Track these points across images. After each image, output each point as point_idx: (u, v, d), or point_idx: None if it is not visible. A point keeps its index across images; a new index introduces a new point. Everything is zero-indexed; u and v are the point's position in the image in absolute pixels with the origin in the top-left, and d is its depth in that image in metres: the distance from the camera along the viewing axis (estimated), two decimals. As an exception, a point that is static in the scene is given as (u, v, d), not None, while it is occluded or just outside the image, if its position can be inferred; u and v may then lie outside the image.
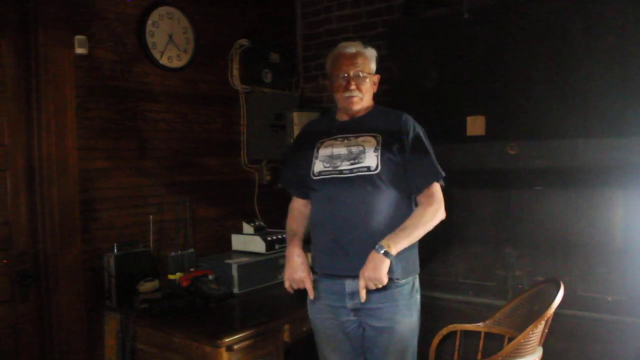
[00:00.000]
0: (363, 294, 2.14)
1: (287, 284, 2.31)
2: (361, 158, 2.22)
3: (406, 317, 2.25)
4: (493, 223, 2.88)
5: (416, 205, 2.30)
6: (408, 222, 2.18)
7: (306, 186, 2.38)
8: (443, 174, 2.25)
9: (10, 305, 2.58)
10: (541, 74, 2.74)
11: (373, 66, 2.36)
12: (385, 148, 2.22)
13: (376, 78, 2.38)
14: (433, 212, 2.21)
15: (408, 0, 3.28)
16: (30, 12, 2.62)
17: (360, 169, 2.20)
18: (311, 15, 4.06)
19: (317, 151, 2.32)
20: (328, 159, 2.28)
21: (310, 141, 2.38)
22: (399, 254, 2.14)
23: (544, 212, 2.73)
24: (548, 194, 2.73)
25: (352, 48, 2.34)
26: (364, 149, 2.23)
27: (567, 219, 2.67)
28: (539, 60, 2.75)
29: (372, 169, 2.19)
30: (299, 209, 2.48)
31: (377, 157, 2.20)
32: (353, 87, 2.28)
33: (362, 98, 2.31)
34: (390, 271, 2.14)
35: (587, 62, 2.62)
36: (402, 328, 2.24)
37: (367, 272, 2.11)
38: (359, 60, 2.31)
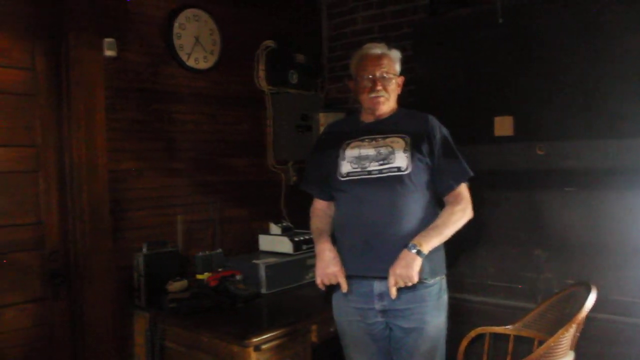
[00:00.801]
0: (394, 292, 2.15)
1: (318, 280, 2.31)
2: (391, 159, 2.23)
3: (435, 317, 2.25)
4: (522, 225, 2.85)
5: (442, 205, 2.32)
6: (439, 221, 2.21)
7: (329, 187, 2.39)
8: (471, 173, 2.29)
9: (43, 304, 2.62)
10: (571, 73, 2.70)
11: (398, 67, 2.38)
12: (414, 149, 2.24)
13: (400, 80, 2.40)
14: (462, 210, 2.25)
15: (433, 0, 3.26)
16: (61, 17, 2.66)
17: (391, 170, 2.22)
18: (337, 16, 4.06)
19: (343, 152, 2.33)
20: (356, 160, 2.29)
21: (334, 142, 2.39)
22: (428, 254, 2.15)
23: (574, 214, 2.69)
24: (578, 195, 2.68)
25: (377, 49, 2.36)
26: (393, 149, 2.25)
27: (598, 220, 2.63)
28: (568, 59, 2.70)
29: (402, 169, 2.21)
30: (322, 209, 2.49)
31: (408, 157, 2.22)
32: (379, 87, 2.30)
33: (388, 99, 2.34)
34: (419, 272, 2.14)
35: (618, 61, 2.57)
36: (430, 329, 2.24)
37: (398, 269, 2.12)
38: (385, 62, 2.33)
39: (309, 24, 4.04)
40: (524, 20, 2.82)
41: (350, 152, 2.31)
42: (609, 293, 2.57)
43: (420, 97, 3.19)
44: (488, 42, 2.95)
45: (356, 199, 2.26)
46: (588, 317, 2.30)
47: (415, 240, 2.14)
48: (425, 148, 2.25)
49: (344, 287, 2.27)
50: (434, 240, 2.17)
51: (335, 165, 2.32)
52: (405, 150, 2.24)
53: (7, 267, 2.50)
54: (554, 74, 2.75)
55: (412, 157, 2.23)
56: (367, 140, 2.32)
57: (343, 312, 2.36)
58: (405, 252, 2.13)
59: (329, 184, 2.38)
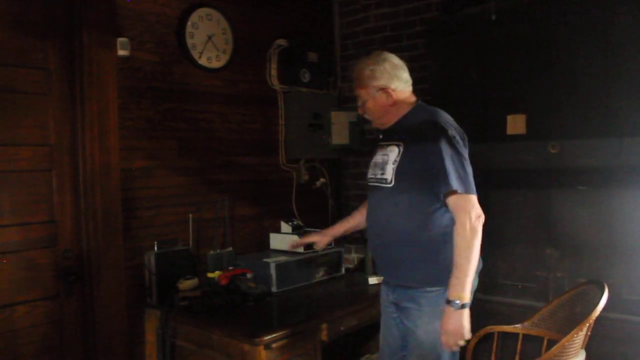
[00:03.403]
0: (446, 349, 2.14)
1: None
2: (384, 168, 2.31)
3: (427, 324, 2.21)
4: (534, 223, 2.83)
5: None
6: (457, 259, 2.09)
7: None
8: (453, 187, 2.10)
9: (55, 301, 2.65)
10: (584, 71, 2.67)
11: (374, 83, 2.32)
12: (404, 156, 2.24)
13: (380, 93, 2.31)
14: (468, 231, 2.08)
15: (446, -2, 3.25)
16: (75, 16, 2.69)
17: (381, 180, 2.32)
18: (349, 15, 4.05)
19: (372, 158, 2.47)
20: (373, 166, 2.42)
21: (374, 148, 2.53)
22: (428, 259, 2.18)
23: (586, 213, 2.67)
24: (591, 194, 2.66)
25: (354, 75, 2.41)
26: (388, 158, 2.30)
27: (611, 219, 2.60)
28: (582, 56, 2.68)
29: (387, 181, 2.27)
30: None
31: (394, 169, 2.24)
32: (361, 112, 2.44)
33: (374, 118, 2.41)
34: (411, 278, 2.24)
35: (633, 57, 2.54)
36: (422, 334, 2.24)
37: (449, 327, 2.09)
38: (357, 88, 2.39)
39: (321, 23, 4.04)
40: (537, 17, 2.80)
41: (373, 159, 2.44)
42: (620, 292, 2.55)
43: (433, 95, 3.18)
44: (501, 39, 2.93)
45: (370, 203, 2.44)
46: (599, 317, 2.28)
47: (453, 295, 2.06)
48: (416, 153, 2.21)
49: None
50: (466, 281, 2.06)
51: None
52: (394, 162, 2.25)
53: (20, 264, 2.53)
54: (567, 72, 2.73)
55: (398, 168, 2.23)
56: (380, 147, 2.41)
57: (380, 299, 2.51)
58: (449, 310, 2.08)
59: None
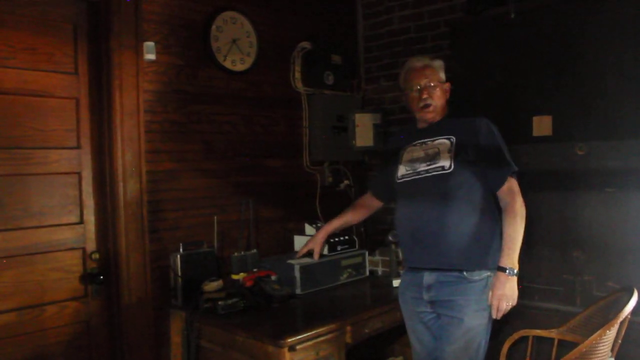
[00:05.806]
0: (495, 314, 2.33)
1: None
2: (436, 159, 2.42)
3: (476, 311, 2.36)
4: (560, 226, 2.79)
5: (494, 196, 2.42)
6: (510, 232, 2.33)
7: (388, 189, 2.66)
8: (516, 168, 2.37)
9: (83, 302, 2.70)
10: (613, 70, 2.63)
11: (442, 75, 2.56)
12: (458, 148, 2.39)
13: (447, 86, 2.55)
14: (518, 208, 2.34)
15: (471, -1, 3.22)
16: (102, 21, 2.73)
17: (436, 169, 2.40)
18: (373, 17, 4.04)
19: (402, 157, 2.56)
20: (409, 163, 2.51)
21: (396, 150, 2.64)
22: (475, 246, 2.34)
23: (614, 215, 2.62)
24: (620, 196, 2.62)
25: (420, 62, 2.57)
26: (439, 150, 2.43)
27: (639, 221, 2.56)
28: (610, 55, 2.64)
29: (445, 168, 2.38)
30: (364, 198, 2.90)
31: (451, 157, 2.37)
32: (425, 96, 2.49)
33: (436, 106, 2.52)
34: (459, 264, 2.34)
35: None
36: (470, 320, 2.35)
37: (500, 290, 2.29)
38: (428, 72, 2.52)
39: (345, 25, 4.04)
40: (564, 17, 2.76)
41: (406, 157, 2.55)
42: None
43: (458, 97, 3.14)
44: (527, 40, 2.90)
45: (408, 197, 2.52)
46: (633, 322, 2.24)
47: (507, 262, 2.29)
48: (470, 147, 2.38)
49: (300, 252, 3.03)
50: (515, 253, 2.31)
51: (395, 170, 2.57)
52: (449, 151, 2.39)
53: (49, 265, 2.58)
54: (593, 73, 2.69)
55: (456, 157, 2.37)
56: (418, 144, 2.53)
57: (403, 301, 2.61)
58: (503, 276, 2.29)
59: (390, 186, 2.62)
